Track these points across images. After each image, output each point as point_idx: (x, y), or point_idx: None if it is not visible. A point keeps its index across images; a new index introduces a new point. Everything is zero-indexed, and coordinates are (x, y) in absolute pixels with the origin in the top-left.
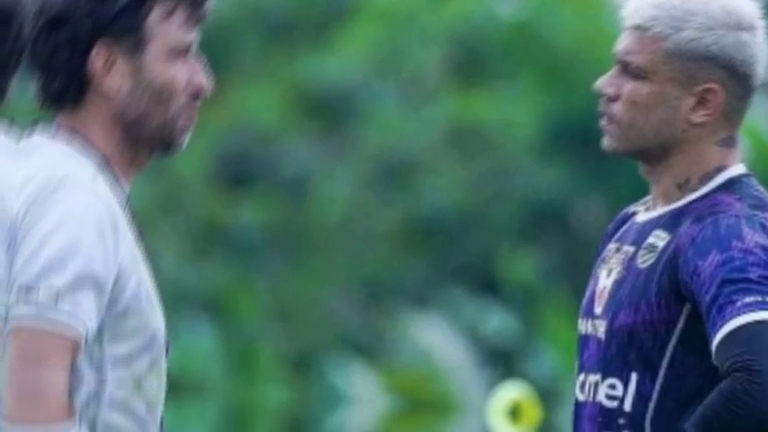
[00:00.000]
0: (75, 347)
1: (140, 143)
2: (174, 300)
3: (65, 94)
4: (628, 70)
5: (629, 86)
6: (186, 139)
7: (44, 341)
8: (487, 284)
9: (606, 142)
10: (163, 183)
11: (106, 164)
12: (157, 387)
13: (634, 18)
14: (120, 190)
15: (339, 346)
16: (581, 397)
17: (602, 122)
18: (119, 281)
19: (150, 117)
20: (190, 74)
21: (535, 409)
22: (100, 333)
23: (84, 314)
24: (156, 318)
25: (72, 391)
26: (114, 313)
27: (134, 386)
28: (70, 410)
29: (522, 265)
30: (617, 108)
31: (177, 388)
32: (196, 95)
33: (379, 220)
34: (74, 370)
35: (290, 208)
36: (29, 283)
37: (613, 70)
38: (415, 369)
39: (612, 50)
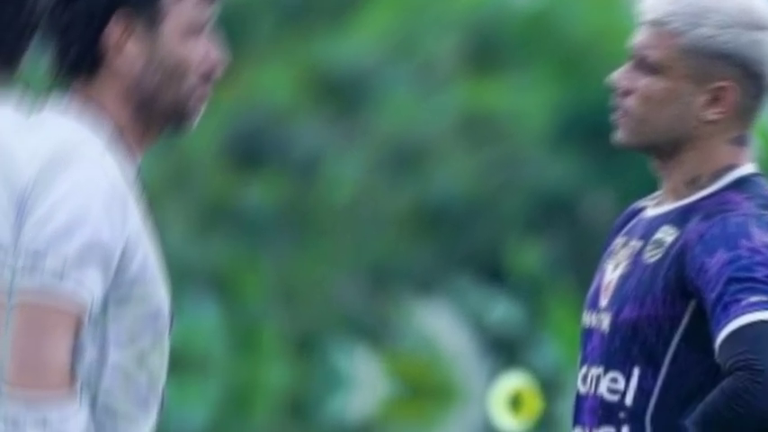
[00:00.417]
0: (79, 320)
1: (152, 119)
2: (180, 276)
3: (80, 63)
4: (643, 65)
5: (643, 81)
6: (197, 118)
7: (48, 316)
8: (493, 273)
9: (618, 136)
10: (173, 158)
11: (119, 134)
12: (160, 363)
13: (651, 13)
14: (131, 162)
15: (343, 329)
16: (582, 389)
17: (615, 116)
18: (125, 254)
19: (162, 94)
20: (204, 52)
21: (536, 399)
22: (104, 306)
23: (91, 283)
24: (160, 293)
25: (74, 363)
26: (119, 287)
27: (137, 361)
28: (71, 381)
29: (529, 256)
30: (631, 102)
31: (179, 365)
32: (209, 75)
33: (388, 205)
34: (77, 343)
35: (298, 189)
36: (36, 249)
37: (628, 64)
38: (417, 355)
39: (627, 44)
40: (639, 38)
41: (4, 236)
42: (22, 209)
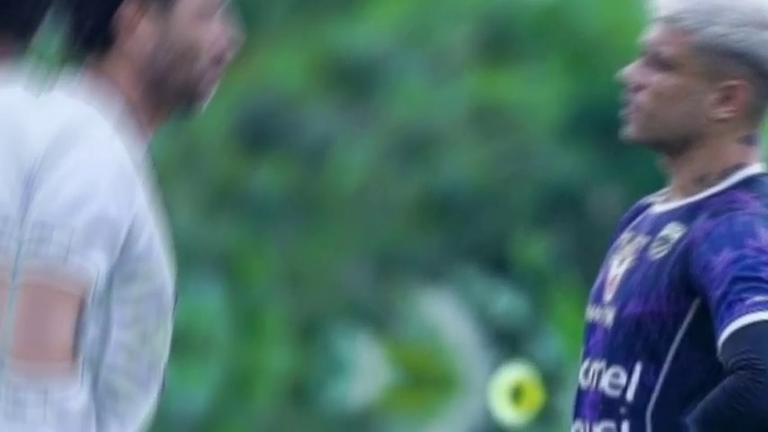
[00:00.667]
0: (82, 300)
1: (162, 99)
2: (185, 257)
3: (93, 40)
4: (656, 61)
5: (655, 77)
6: (207, 100)
7: (52, 296)
8: (499, 264)
9: (628, 131)
10: (182, 139)
11: (130, 112)
12: (162, 343)
13: (665, 10)
14: (141, 141)
15: (346, 316)
16: (584, 383)
17: (626, 111)
18: (131, 233)
19: (173, 75)
20: (216, 35)
21: (537, 391)
22: (109, 284)
23: (96, 260)
24: (165, 273)
25: (77, 341)
26: (124, 265)
27: (140, 340)
28: (74, 357)
29: (535, 248)
30: (642, 97)
31: (181, 346)
32: (220, 58)
33: (396, 193)
34: (80, 321)
35: (307, 174)
36: (44, 222)
37: (641, 60)
38: (420, 344)
39: (639, 40)
40: (652, 34)
41: (11, 209)
42: (30, 184)
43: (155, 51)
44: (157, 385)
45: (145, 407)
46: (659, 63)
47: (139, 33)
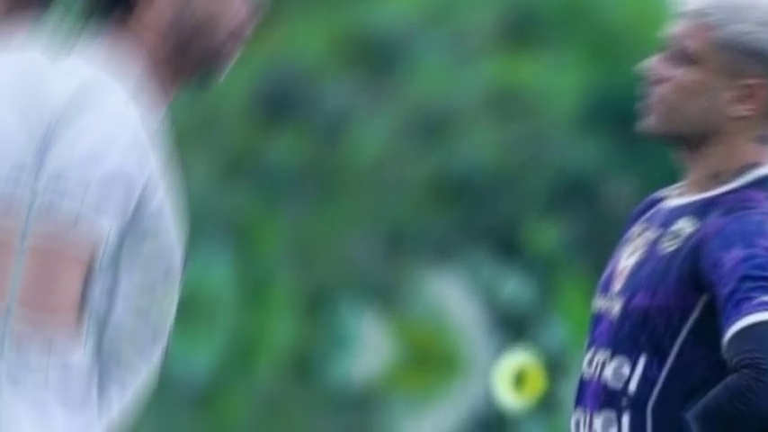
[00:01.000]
0: (91, 261)
1: (180, 67)
2: (197, 223)
3: (113, 5)
4: (680, 55)
5: (679, 71)
6: (224, 73)
7: (60, 260)
8: (509, 249)
9: (646, 124)
10: (200, 106)
11: (150, 74)
12: (168, 308)
13: (692, 4)
14: (158, 107)
15: (354, 291)
16: (587, 373)
17: (644, 104)
18: (144, 194)
19: (190, 47)
20: (236, 9)
21: (540, 377)
22: (119, 244)
23: (108, 218)
24: (174, 239)
25: (84, 300)
26: (135, 225)
27: (146, 304)
28: (80, 314)
29: (546, 235)
30: (663, 90)
31: (187, 312)
32: (239, 32)
33: (411, 172)
34: (88, 280)
35: (323, 148)
36: (59, 173)
37: (664, 53)
38: (426, 323)
39: (662, 32)
40: (678, 28)
41: (28, 158)
42: (48, 138)
43: (175, 19)
44: (160, 351)
45: (146, 373)
46: (683, 57)
47: (158, 4)
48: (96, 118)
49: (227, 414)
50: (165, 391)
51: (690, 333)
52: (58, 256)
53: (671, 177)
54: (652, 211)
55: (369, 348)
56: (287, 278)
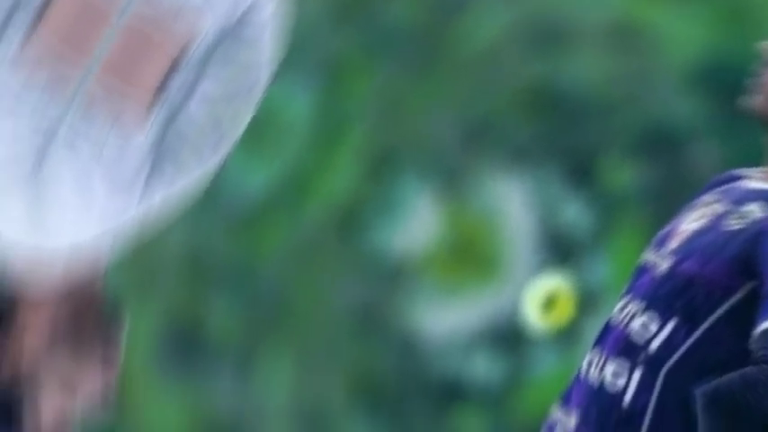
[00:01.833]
0: (181, 56)
1: None
2: (293, 53)
3: None
4: None
5: None
6: None
7: (151, 44)
8: (582, 175)
9: (749, 101)
10: None
11: None
12: (238, 125)
13: None
14: None
15: (421, 165)
16: (616, 319)
17: (753, 81)
18: (256, 1)
19: None
20: None
21: (569, 307)
22: (212, 49)
23: (218, 8)
24: (268, 59)
25: (161, 90)
26: (235, 33)
27: (224, 103)
28: (154, 99)
29: (622, 173)
30: None
31: (254, 134)
32: None
33: (512, 73)
34: (170, 75)
35: (439, 16)
36: None
37: None
38: (480, 220)
39: None
40: None
41: None
42: None
43: None
44: (218, 163)
45: (197, 180)
46: None
47: None
48: None
49: (264, 243)
50: (210, 205)
51: (726, 312)
52: (149, 41)
53: (760, 159)
54: (729, 185)
55: (417, 225)
56: (362, 132)
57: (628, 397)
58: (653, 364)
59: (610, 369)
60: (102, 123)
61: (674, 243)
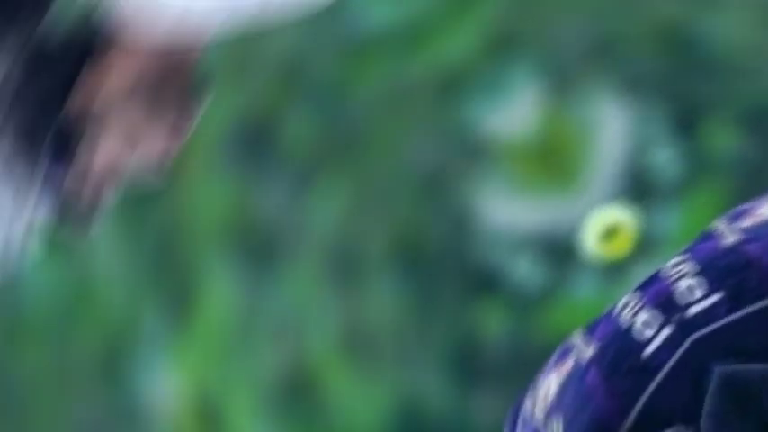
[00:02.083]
0: None
1: None
2: None
3: None
4: None
5: None
6: None
7: None
8: (688, 125)
9: None
10: None
11: None
12: None
13: None
14: None
15: (540, 58)
16: (665, 272)
17: None
18: None
19: None
20: None
21: (628, 244)
22: None
23: None
24: None
25: None
26: None
27: None
28: None
29: (729, 140)
30: None
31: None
32: None
33: (659, 6)
34: None
35: None
36: None
37: None
38: (576, 130)
39: None
40: None
41: None
42: None
43: None
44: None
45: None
46: None
47: None
48: None
49: (363, 73)
50: (325, 22)
51: None
52: None
53: None
54: None
55: (513, 114)
56: (494, 8)
57: (649, 349)
58: (684, 328)
59: (642, 317)
60: None
61: (747, 222)
